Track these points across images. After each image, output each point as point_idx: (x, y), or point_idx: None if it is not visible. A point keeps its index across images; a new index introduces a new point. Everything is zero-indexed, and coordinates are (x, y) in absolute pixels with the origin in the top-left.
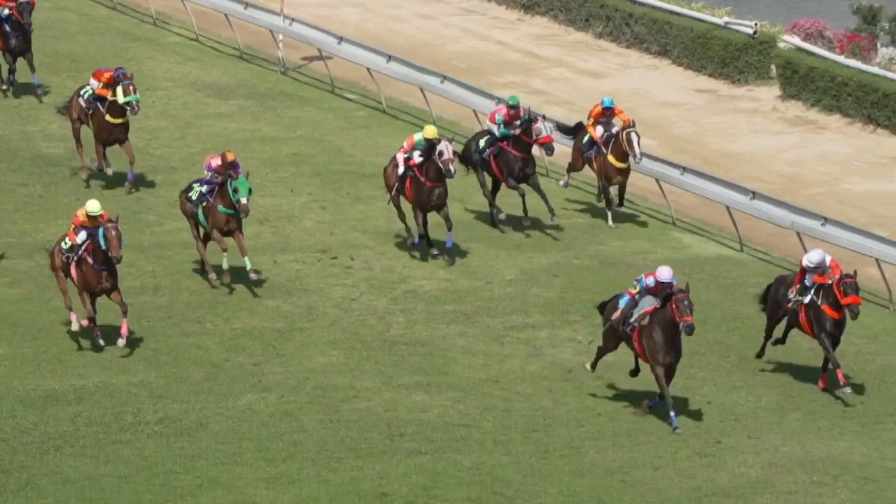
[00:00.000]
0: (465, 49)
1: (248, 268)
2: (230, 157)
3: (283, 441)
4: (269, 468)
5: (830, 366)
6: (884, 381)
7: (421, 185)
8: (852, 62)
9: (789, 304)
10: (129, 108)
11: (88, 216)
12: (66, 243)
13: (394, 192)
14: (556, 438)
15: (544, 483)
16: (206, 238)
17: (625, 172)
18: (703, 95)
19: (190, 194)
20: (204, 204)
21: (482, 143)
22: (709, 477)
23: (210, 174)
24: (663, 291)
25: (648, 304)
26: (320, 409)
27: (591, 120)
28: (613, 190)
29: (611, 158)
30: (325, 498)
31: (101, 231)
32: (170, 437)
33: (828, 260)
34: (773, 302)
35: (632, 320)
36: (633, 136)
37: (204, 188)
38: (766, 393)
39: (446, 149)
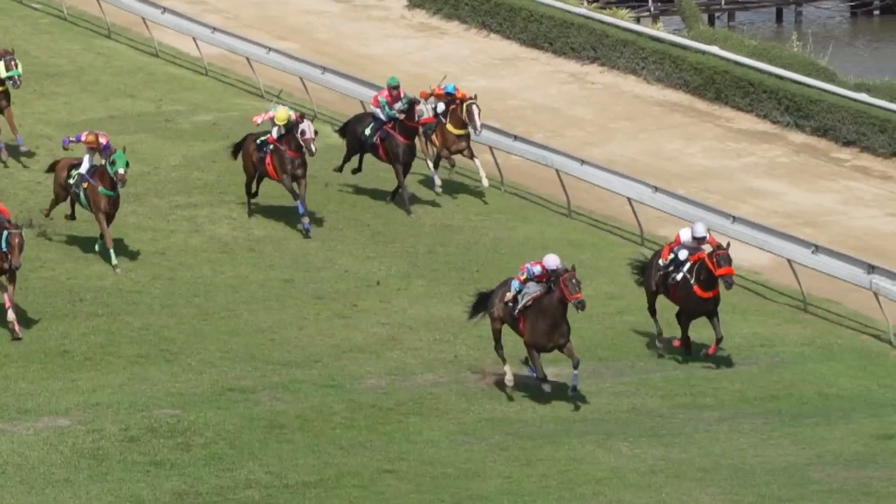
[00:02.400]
0: None
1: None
2: (103, 140)
3: None
4: None
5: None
6: (495, 251)
7: (283, 155)
8: None
9: (661, 272)
10: (11, 83)
11: None
12: None
13: (255, 171)
14: (214, 302)
15: (205, 341)
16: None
17: (465, 138)
18: (340, 5)
19: (69, 180)
20: (85, 185)
21: (368, 131)
22: (346, 336)
23: (83, 145)
24: (550, 277)
25: (534, 290)
26: None
27: (433, 100)
28: (458, 159)
29: (449, 127)
30: (16, 355)
31: (4, 235)
32: None
33: (707, 237)
34: (647, 276)
35: (520, 305)
36: (475, 108)
37: (83, 169)
38: (395, 263)
39: (308, 128)
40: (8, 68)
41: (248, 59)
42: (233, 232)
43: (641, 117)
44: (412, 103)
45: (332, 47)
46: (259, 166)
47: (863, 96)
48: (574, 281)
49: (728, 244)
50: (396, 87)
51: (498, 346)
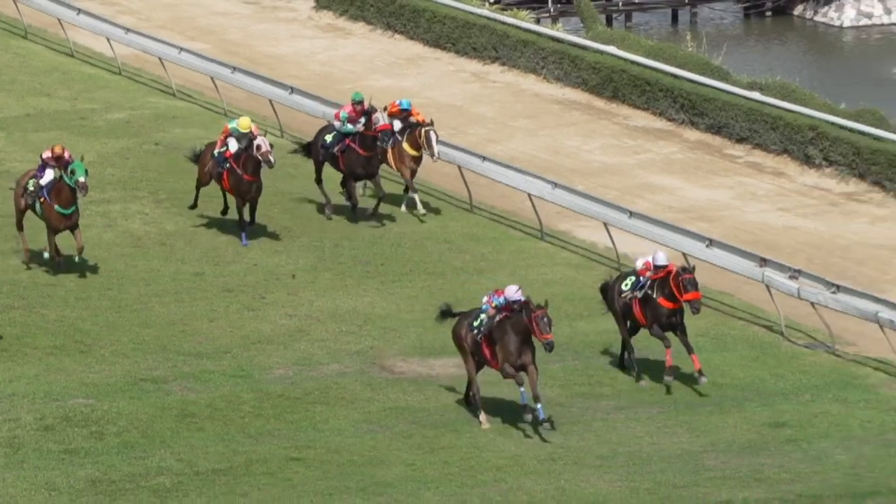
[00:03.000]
0: None
1: (76, 258)
2: (66, 154)
3: None
4: None
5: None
6: (399, 245)
7: (239, 178)
8: None
9: (624, 297)
10: None
11: None
12: None
13: (208, 178)
14: (127, 295)
15: (118, 333)
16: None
17: (417, 160)
18: (250, 6)
19: (28, 188)
20: (41, 199)
21: (329, 138)
22: (255, 327)
23: (42, 162)
24: (514, 306)
25: (500, 316)
26: None
27: (388, 118)
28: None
29: (405, 146)
30: None
31: None
32: None
33: (668, 265)
34: (611, 301)
35: (484, 329)
36: (433, 134)
37: (41, 181)
38: (302, 256)
39: (264, 142)
40: None
41: (160, 59)
42: (145, 227)
43: (541, 115)
44: (369, 113)
45: (241, 48)
46: (216, 180)
47: (755, 95)
48: (545, 320)
49: (693, 267)
50: (360, 103)
51: (474, 391)
